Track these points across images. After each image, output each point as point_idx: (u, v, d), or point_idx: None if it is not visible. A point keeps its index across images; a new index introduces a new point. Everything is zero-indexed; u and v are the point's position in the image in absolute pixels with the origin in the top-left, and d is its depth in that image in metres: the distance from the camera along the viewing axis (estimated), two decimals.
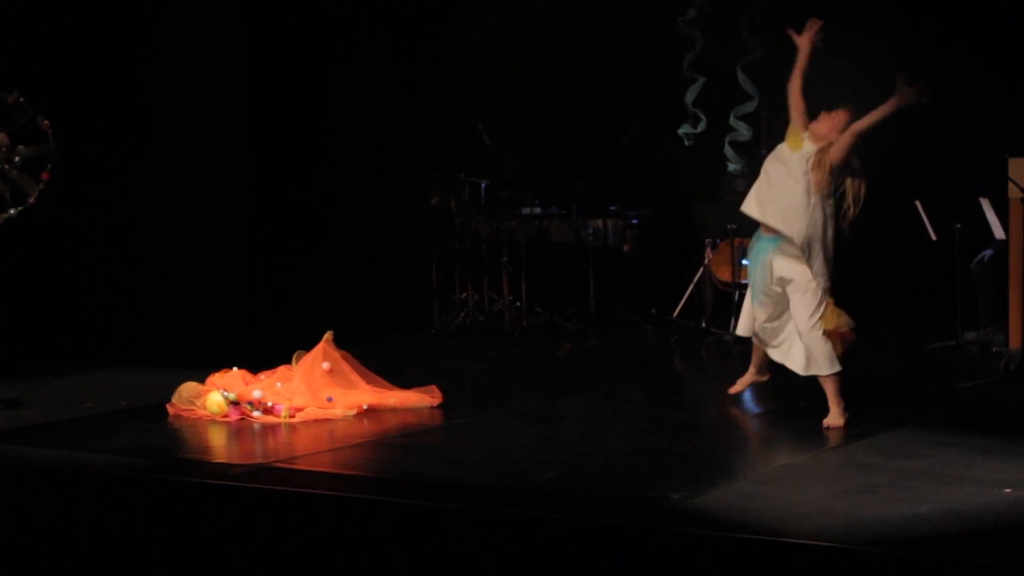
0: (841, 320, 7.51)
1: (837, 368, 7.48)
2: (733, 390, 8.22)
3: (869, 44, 11.61)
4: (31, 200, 8.77)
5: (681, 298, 11.67)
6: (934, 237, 10.20)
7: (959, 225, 10.07)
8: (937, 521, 5.29)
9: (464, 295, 12.34)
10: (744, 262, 9.04)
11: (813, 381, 7.60)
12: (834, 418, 7.37)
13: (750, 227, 7.94)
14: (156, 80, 10.25)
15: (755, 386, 8.17)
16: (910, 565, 4.82)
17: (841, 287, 7.79)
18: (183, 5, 10.39)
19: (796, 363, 7.58)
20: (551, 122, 12.72)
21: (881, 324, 10.66)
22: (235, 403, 8.07)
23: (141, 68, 10.29)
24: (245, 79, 10.25)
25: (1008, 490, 5.82)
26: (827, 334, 7.47)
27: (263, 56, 10.89)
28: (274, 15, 11.31)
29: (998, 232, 9.98)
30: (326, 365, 8.30)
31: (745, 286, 10.09)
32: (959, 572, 4.73)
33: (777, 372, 8.00)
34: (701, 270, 11.78)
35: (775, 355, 7.77)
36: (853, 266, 8.23)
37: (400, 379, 8.68)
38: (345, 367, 8.38)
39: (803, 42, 7.56)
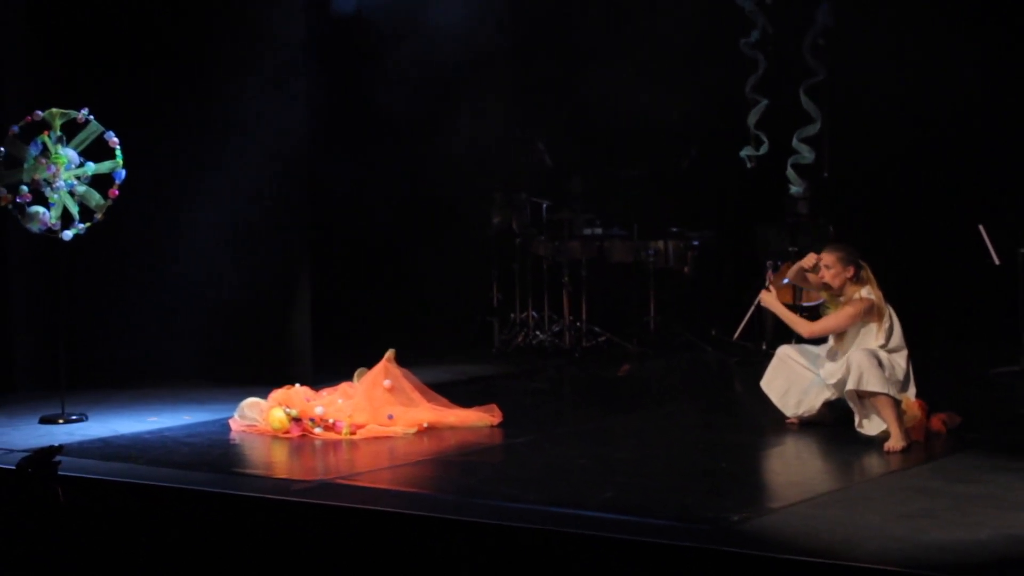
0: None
1: (890, 389, 7.43)
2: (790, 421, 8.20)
3: (936, 60, 11.51)
4: (98, 216, 8.89)
5: (741, 320, 11.63)
6: (997, 261, 10.13)
7: (1023, 249, 10.01)
8: (998, 547, 5.26)
9: (524, 314, 12.38)
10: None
11: None
12: (895, 441, 7.32)
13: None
14: (220, 97, 10.34)
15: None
16: None
17: (905, 311, 7.77)
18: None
19: (851, 379, 7.54)
20: (613, 143, 12.73)
21: (943, 348, 10.60)
22: (297, 419, 8.13)
23: (205, 84, 10.40)
24: (308, 98, 10.31)
25: None
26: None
27: (326, 74, 10.96)
28: (339, 33, 11.41)
29: None
30: (387, 383, 8.35)
31: (805, 308, 10.09)
32: None
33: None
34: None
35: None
36: (916, 289, 8.16)
37: (460, 398, 8.72)
38: (406, 385, 8.42)
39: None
